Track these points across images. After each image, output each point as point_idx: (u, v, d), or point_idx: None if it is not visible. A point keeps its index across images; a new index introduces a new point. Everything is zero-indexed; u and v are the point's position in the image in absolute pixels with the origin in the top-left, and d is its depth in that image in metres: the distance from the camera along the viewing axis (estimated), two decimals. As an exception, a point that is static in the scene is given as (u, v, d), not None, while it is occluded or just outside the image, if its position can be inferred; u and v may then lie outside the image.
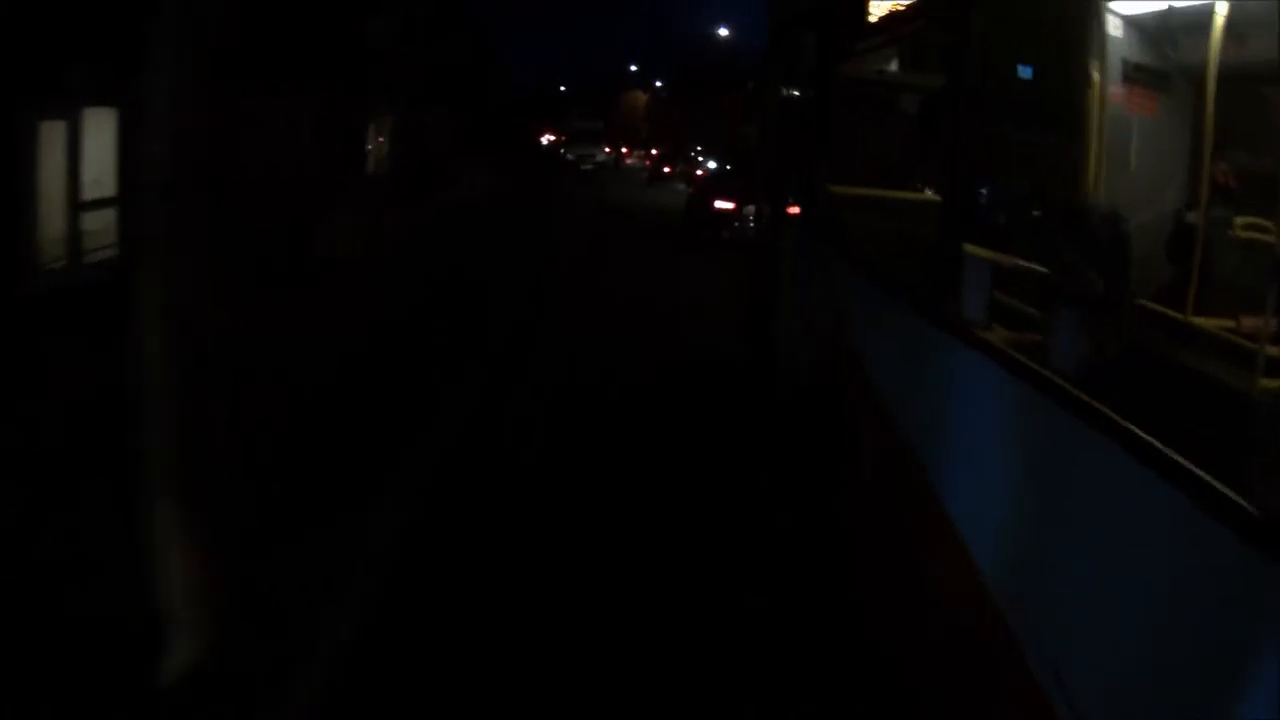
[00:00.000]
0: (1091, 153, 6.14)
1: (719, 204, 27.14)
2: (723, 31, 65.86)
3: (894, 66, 7.62)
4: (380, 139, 30.95)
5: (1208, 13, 5.17)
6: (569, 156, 62.76)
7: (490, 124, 50.86)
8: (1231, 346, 4.52)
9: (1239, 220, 5.37)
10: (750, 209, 23.69)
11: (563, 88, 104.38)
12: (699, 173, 49.99)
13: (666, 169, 58.18)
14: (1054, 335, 4.05)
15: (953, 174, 4.95)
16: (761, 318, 10.18)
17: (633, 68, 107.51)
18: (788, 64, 8.85)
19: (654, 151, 67.61)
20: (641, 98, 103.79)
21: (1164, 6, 5.77)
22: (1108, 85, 6.12)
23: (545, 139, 63.94)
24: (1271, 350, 3.83)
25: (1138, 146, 6.14)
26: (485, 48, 54.15)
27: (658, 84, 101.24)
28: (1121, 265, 4.17)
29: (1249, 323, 4.58)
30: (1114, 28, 6.07)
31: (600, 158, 64.81)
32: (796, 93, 8.81)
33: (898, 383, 5.37)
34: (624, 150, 71.61)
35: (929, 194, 6.93)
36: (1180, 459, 2.58)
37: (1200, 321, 4.79)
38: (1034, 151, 6.61)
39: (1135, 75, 6.11)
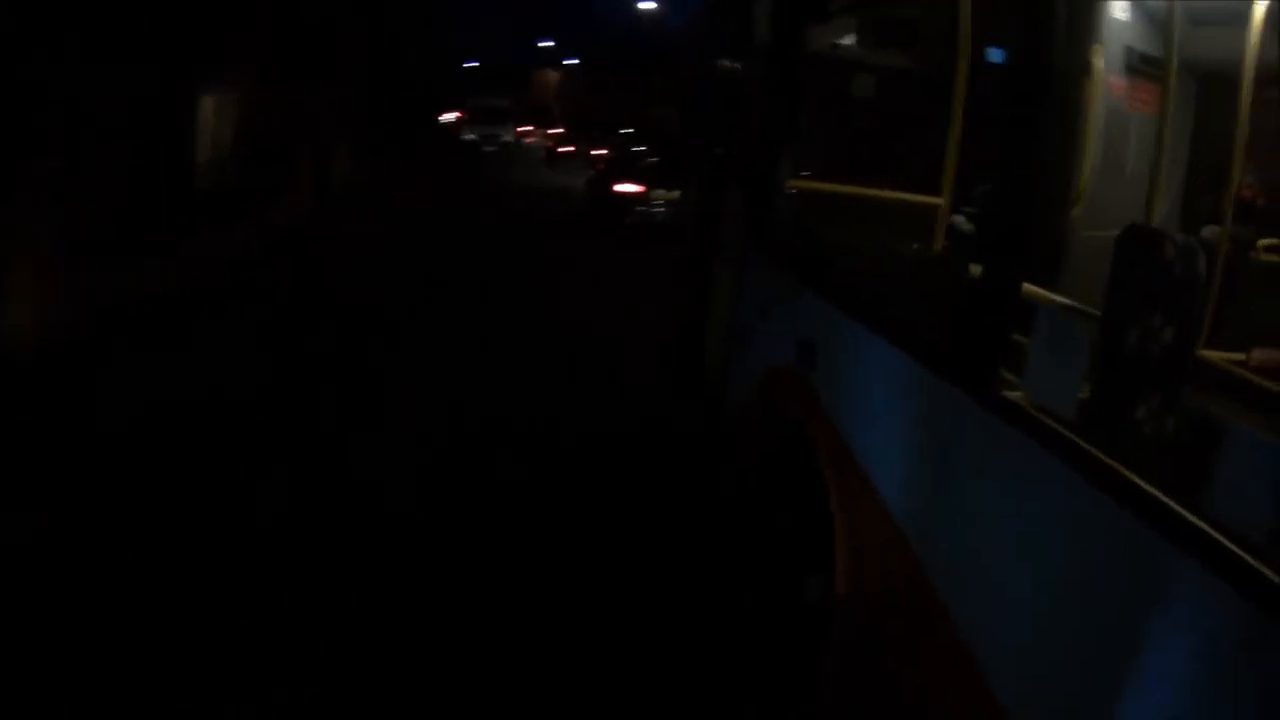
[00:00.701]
0: (1085, 154, 5.57)
1: (620, 187, 25.02)
2: (647, 5, 61.99)
3: (858, 41, 6.61)
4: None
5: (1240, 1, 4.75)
6: (470, 137, 57.01)
7: (392, 103, 47.33)
8: (1242, 384, 4.16)
9: (1262, 242, 4.89)
10: (660, 193, 23.04)
11: (476, 64, 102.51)
12: (597, 153, 49.45)
13: (567, 149, 57.44)
14: (1102, 400, 3.22)
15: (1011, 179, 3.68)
16: (691, 346, 8.46)
17: (547, 44, 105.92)
18: (731, 30, 7.71)
19: (553, 131, 65.46)
20: (553, 75, 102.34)
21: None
22: (1108, 75, 5.53)
23: (448, 118, 59.48)
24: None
25: (1136, 148, 5.55)
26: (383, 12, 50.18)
27: (571, 61, 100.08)
28: (1193, 311, 3.24)
29: (1261, 355, 4.28)
30: (1119, 10, 5.51)
31: (506, 138, 59.37)
32: (737, 66, 7.68)
33: (905, 481, 4.08)
34: (523, 129, 67.15)
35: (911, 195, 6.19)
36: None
37: (1210, 355, 4.34)
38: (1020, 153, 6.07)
39: (1140, 67, 5.53)
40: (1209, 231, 4.98)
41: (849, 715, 4.36)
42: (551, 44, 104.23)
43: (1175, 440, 3.22)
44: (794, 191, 6.19)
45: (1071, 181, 5.57)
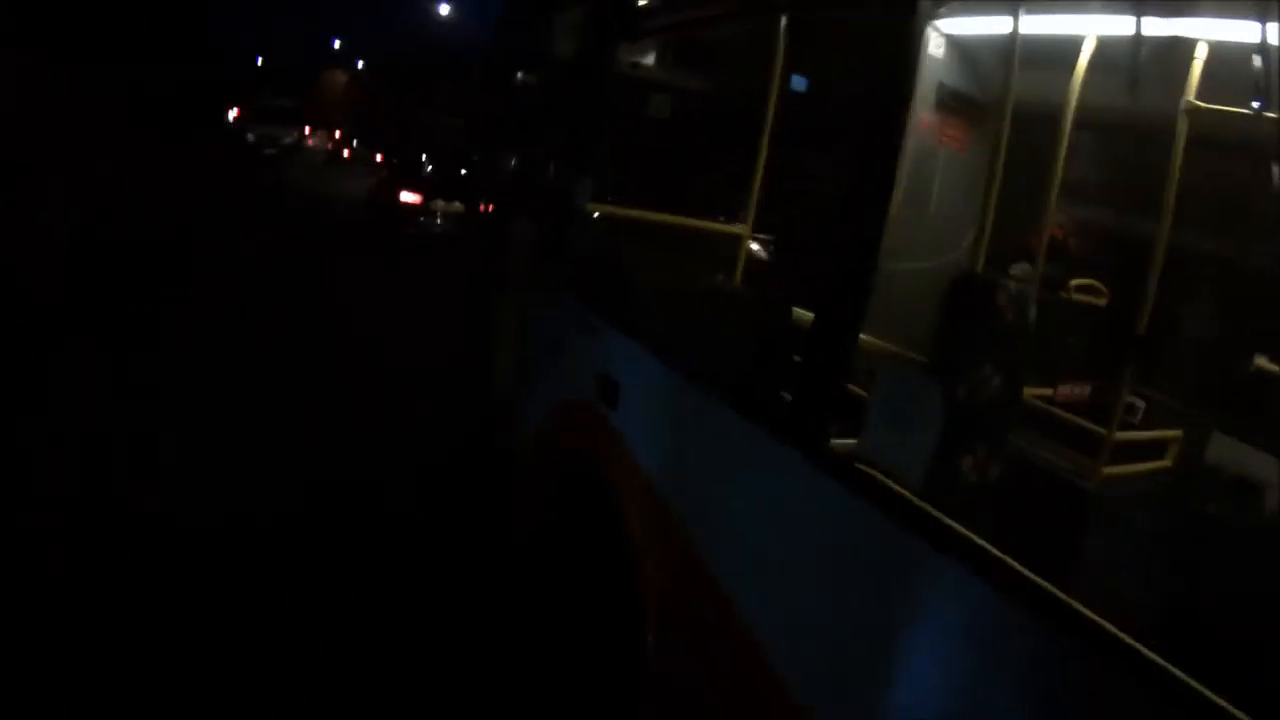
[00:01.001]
0: (895, 185, 5.48)
1: (405, 196, 24.62)
2: (442, 9, 60.69)
3: (661, 63, 6.40)
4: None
5: (1066, 41, 4.78)
6: (250, 137, 52.29)
7: (168, 95, 43.81)
8: (1049, 419, 4.32)
9: (1073, 281, 4.94)
10: (439, 204, 23.06)
11: (260, 61, 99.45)
12: (379, 158, 49.35)
13: (345, 152, 57.41)
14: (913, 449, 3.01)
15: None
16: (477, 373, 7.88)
17: (336, 44, 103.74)
18: (530, 40, 7.42)
19: (336, 134, 64.40)
20: (342, 77, 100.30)
21: (1004, 28, 5.00)
22: (917, 111, 5.47)
23: (232, 115, 56.16)
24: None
25: (941, 185, 5.50)
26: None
27: (359, 64, 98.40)
28: (1021, 358, 3.12)
29: (1065, 391, 4.53)
30: (934, 46, 5.35)
31: (288, 140, 55.72)
32: (533, 79, 7.40)
33: (718, 528, 3.83)
34: (306, 130, 64.55)
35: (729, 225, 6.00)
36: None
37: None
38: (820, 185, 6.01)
39: (952, 103, 5.43)
40: (1019, 270, 5.00)
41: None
42: (339, 45, 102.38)
43: (995, 489, 3.12)
44: (593, 216, 5.91)
45: (878, 214, 5.49)
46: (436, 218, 22.83)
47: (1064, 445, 4.13)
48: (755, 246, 5.94)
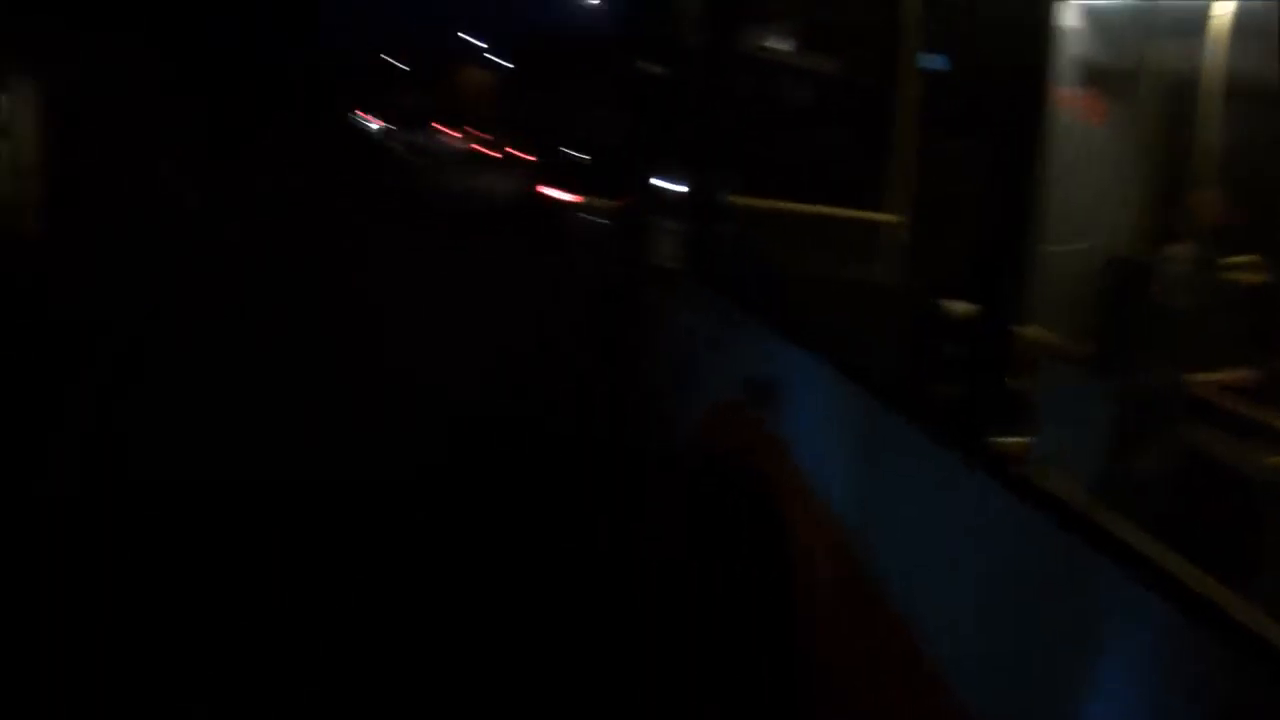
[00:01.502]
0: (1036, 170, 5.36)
1: (548, 192, 24.28)
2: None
3: (794, 50, 6.30)
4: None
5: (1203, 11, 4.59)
6: (385, 141, 48.87)
7: (284, 98, 43.20)
8: (1210, 405, 3.89)
9: (1229, 260, 4.75)
10: (588, 200, 21.66)
11: (393, 61, 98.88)
12: (517, 153, 49.18)
13: (483, 149, 56.95)
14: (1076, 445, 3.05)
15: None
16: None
17: (474, 40, 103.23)
18: (661, 33, 7.36)
19: (480, 135, 63.49)
20: (480, 74, 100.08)
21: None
22: (1056, 86, 5.33)
23: (370, 122, 54.55)
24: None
25: (1085, 164, 5.08)
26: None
27: (499, 60, 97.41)
28: (1182, 342, 2.99)
29: (1229, 375, 4.08)
30: (1071, 18, 5.14)
31: (421, 140, 52.12)
32: (660, 70, 7.33)
33: (879, 530, 3.77)
34: (442, 129, 62.47)
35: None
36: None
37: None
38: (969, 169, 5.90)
39: (1092, 77, 5.25)
40: (1173, 250, 4.82)
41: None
42: (476, 41, 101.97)
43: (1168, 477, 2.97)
44: (737, 211, 5.82)
45: (1027, 198, 5.38)
46: (585, 214, 21.53)
47: (1233, 436, 3.91)
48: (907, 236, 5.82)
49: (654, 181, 7.15)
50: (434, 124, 55.24)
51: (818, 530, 4.10)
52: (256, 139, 31.93)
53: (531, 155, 41.17)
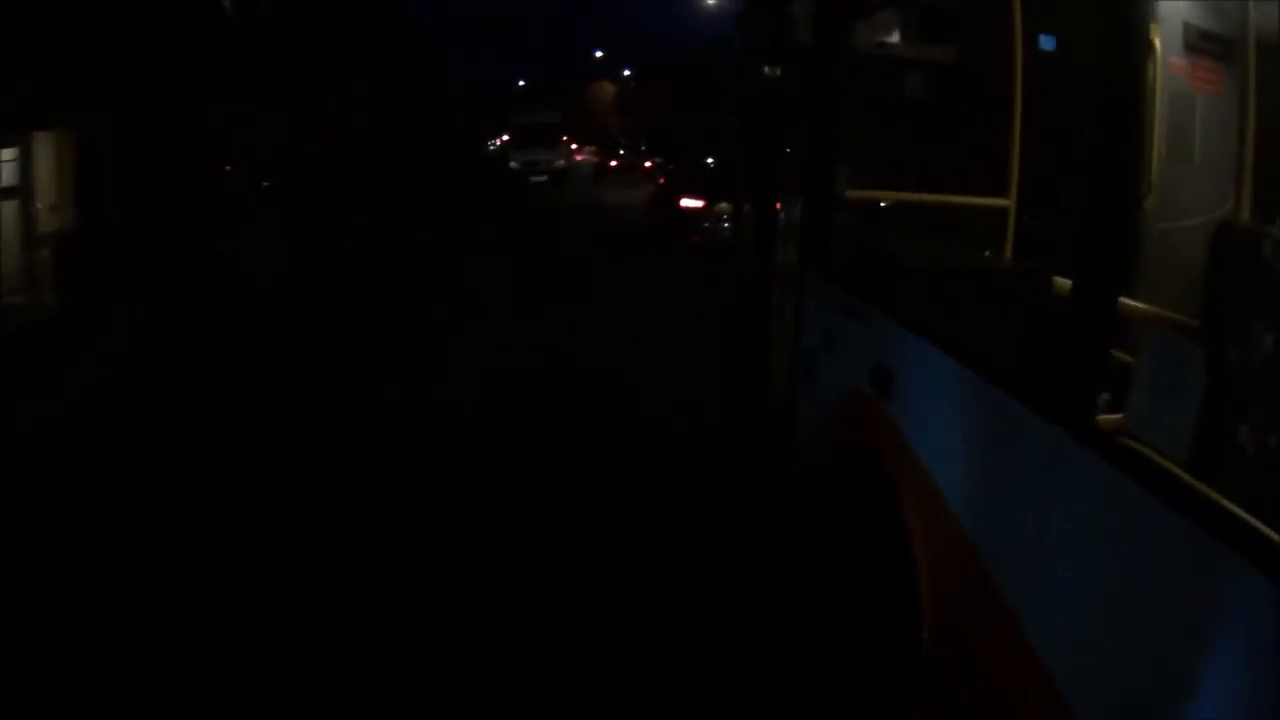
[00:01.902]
0: (1154, 140, 5.29)
1: (686, 202, 23.35)
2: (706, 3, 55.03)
3: (895, 38, 6.30)
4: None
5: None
6: (513, 164, 47.31)
7: (420, 139, 43.00)
8: None
9: None
10: (724, 207, 20.54)
11: (521, 83, 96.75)
12: (646, 164, 48.51)
13: (612, 163, 56.54)
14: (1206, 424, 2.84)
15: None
16: (744, 386, 7.95)
17: (598, 54, 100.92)
18: (770, 32, 7.41)
19: (607, 147, 61.98)
20: (609, 88, 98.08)
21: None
22: (1168, 56, 5.26)
23: (495, 143, 54.08)
24: None
25: (1203, 133, 5.25)
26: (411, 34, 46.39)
27: (626, 72, 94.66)
28: None
29: None
30: None
31: (559, 163, 48.14)
32: (779, 71, 7.38)
33: (994, 520, 3.73)
34: (573, 146, 60.26)
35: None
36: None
37: None
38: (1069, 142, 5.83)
39: (1201, 44, 5.19)
40: None
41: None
42: (600, 54, 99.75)
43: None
44: (851, 203, 5.88)
45: (1141, 173, 5.32)
46: (722, 221, 20.70)
47: None
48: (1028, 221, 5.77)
49: (776, 182, 7.24)
50: (566, 141, 54.52)
51: (932, 517, 4.14)
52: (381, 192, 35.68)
53: (665, 163, 40.62)
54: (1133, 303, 3.67)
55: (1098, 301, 3.07)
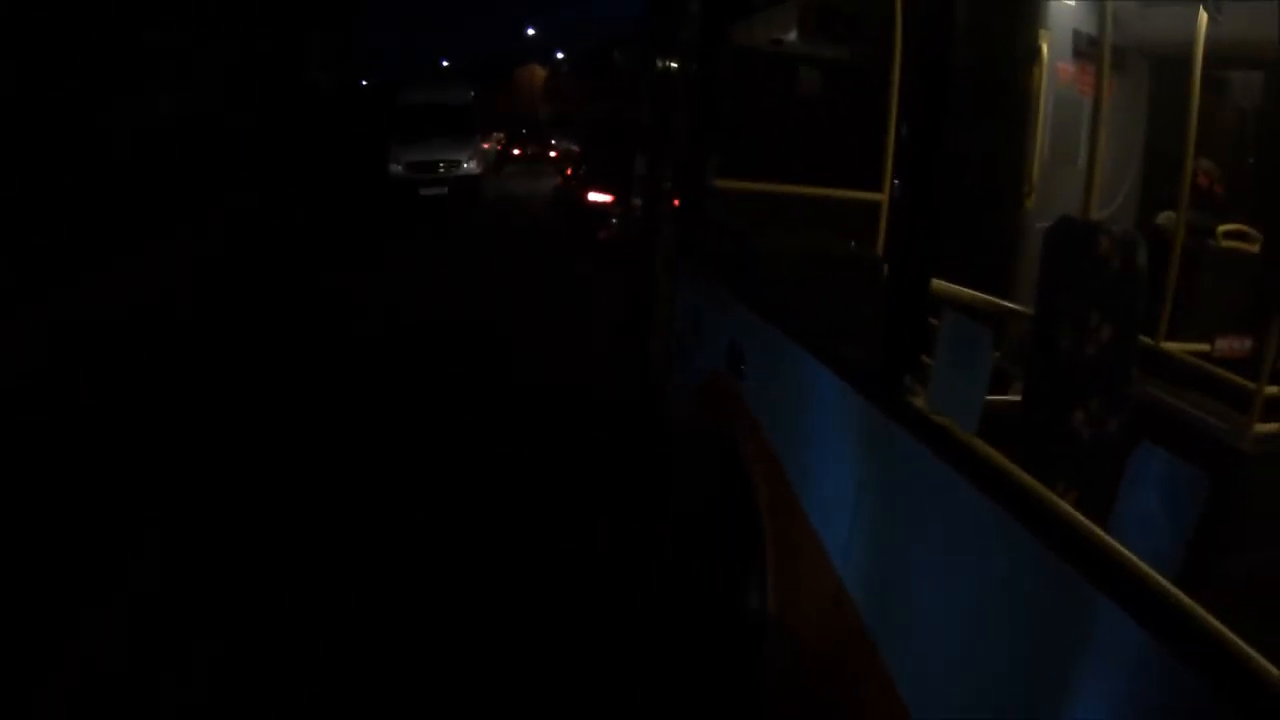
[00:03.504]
0: (1036, 142, 5.39)
1: (593, 197, 21.47)
2: None
3: (793, 36, 6.29)
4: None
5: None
6: (394, 169, 30.17)
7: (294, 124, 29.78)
8: (1206, 377, 4.03)
9: (1221, 228, 4.80)
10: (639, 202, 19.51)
11: (446, 63, 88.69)
12: (552, 154, 44.95)
13: (515, 151, 54.72)
14: (1037, 406, 3.06)
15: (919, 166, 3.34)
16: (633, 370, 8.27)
17: (530, 31, 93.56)
18: (667, 26, 7.45)
19: (552, 142, 53.20)
20: (540, 72, 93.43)
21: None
22: (1055, 61, 5.35)
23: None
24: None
25: (1086, 136, 5.23)
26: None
27: (559, 55, 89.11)
28: (1133, 306, 3.00)
29: (1224, 345, 4.13)
30: None
31: (468, 165, 30.89)
32: (675, 64, 7.40)
33: (824, 495, 3.79)
34: (502, 147, 52.02)
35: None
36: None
37: (1171, 347, 4.29)
38: (964, 144, 5.88)
39: (1088, 50, 5.31)
40: (1165, 219, 4.81)
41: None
42: (533, 33, 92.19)
43: (1113, 446, 2.97)
44: (728, 194, 5.92)
45: (1020, 173, 5.38)
46: (621, 212, 19.21)
47: (1214, 401, 3.86)
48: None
49: (660, 173, 7.29)
50: (480, 135, 37.95)
51: (776, 494, 4.22)
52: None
53: (552, 152, 38.50)
54: (951, 285, 3.69)
55: (909, 283, 3.12)
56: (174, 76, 23.45)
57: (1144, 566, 2.05)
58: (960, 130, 4.13)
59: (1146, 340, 4.10)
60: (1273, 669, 1.77)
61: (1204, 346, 4.16)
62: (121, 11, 19.83)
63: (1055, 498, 2.37)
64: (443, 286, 16.48)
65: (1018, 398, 3.25)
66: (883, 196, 5.78)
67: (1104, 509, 2.28)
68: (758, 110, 6.67)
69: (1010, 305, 4.00)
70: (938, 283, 3.36)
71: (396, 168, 30.10)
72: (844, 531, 3.52)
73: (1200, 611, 1.92)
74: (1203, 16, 4.43)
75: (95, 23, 18.78)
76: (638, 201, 11.92)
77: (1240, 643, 1.84)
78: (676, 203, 6.43)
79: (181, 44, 23.82)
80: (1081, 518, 2.27)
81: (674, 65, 7.33)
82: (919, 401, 3.02)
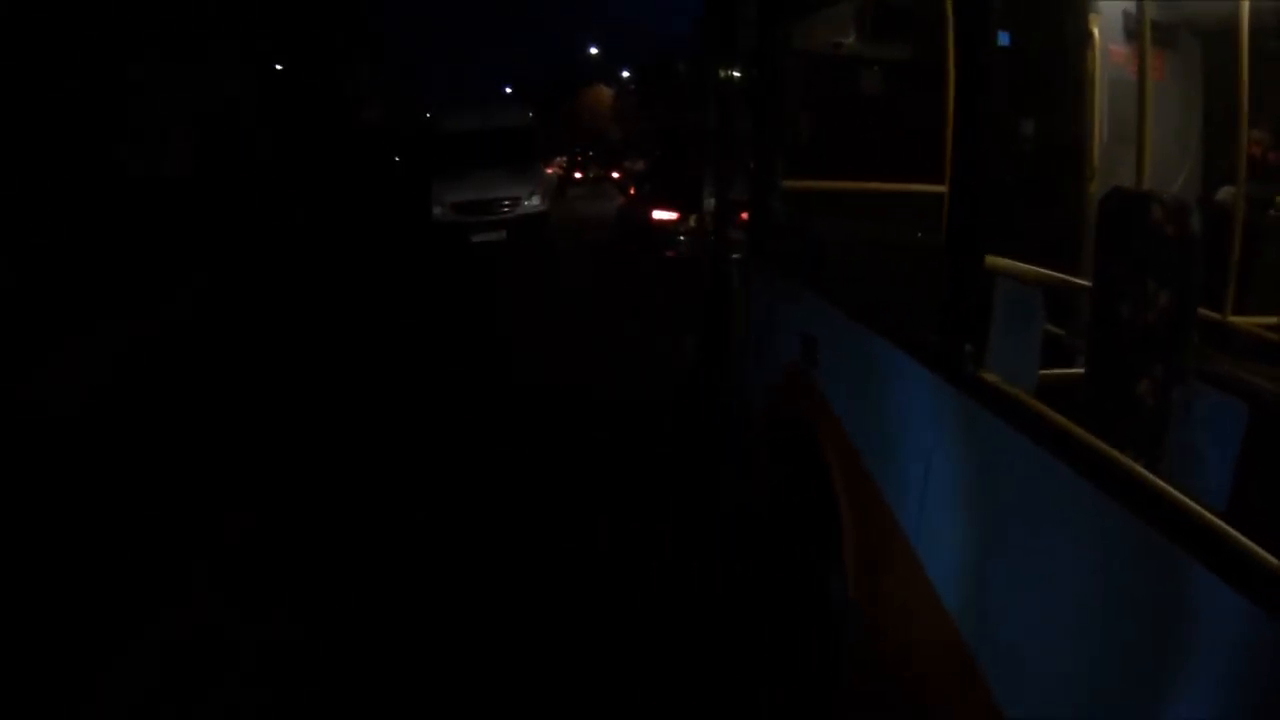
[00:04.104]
0: (1095, 125, 5.49)
1: (659, 215, 19.96)
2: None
3: (850, 39, 6.40)
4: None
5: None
6: (437, 212, 25.00)
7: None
8: (1275, 349, 4.01)
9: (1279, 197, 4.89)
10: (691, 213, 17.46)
11: (508, 90, 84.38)
12: (615, 175, 43.35)
13: (576, 175, 53.82)
14: (1100, 376, 3.06)
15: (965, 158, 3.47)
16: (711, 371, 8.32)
17: (593, 50, 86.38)
18: (725, 35, 7.57)
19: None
20: (607, 93, 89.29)
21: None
22: (1107, 44, 5.38)
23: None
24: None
25: (1142, 116, 5.15)
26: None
27: (625, 74, 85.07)
28: (1190, 274, 3.06)
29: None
30: None
31: (530, 202, 25.09)
32: (737, 74, 7.52)
33: (902, 479, 3.87)
34: (560, 167, 49.73)
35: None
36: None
37: (1239, 321, 4.22)
38: (1023, 130, 5.98)
39: (1139, 31, 5.19)
40: (1224, 193, 4.85)
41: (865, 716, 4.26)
42: (596, 53, 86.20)
43: (1177, 416, 3.02)
44: (795, 193, 6.07)
45: (1080, 158, 5.43)
46: (688, 228, 18.23)
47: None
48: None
49: (729, 180, 7.43)
50: (543, 165, 32.16)
51: (854, 480, 4.30)
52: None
53: (615, 172, 37.20)
54: (1012, 262, 3.77)
55: (965, 258, 3.25)
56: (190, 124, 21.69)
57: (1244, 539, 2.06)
58: (1019, 117, 4.21)
59: (1213, 314, 4.11)
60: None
61: (1272, 319, 4.15)
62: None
63: (1127, 460, 2.46)
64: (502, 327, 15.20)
65: (1082, 370, 3.28)
66: (943, 188, 5.86)
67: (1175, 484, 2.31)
68: (820, 111, 6.82)
69: (1071, 279, 4.04)
70: (998, 260, 3.45)
71: (439, 210, 24.64)
72: (917, 509, 3.62)
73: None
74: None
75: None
76: (708, 212, 11.98)
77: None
78: (745, 215, 6.54)
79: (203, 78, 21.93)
80: (1154, 478, 2.32)
81: (736, 73, 7.44)
82: (982, 372, 3.12)
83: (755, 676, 5.13)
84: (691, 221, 17.26)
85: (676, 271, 16.44)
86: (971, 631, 3.16)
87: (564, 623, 5.76)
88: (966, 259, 3.24)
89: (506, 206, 24.48)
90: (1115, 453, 2.51)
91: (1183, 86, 5.33)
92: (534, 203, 24.88)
